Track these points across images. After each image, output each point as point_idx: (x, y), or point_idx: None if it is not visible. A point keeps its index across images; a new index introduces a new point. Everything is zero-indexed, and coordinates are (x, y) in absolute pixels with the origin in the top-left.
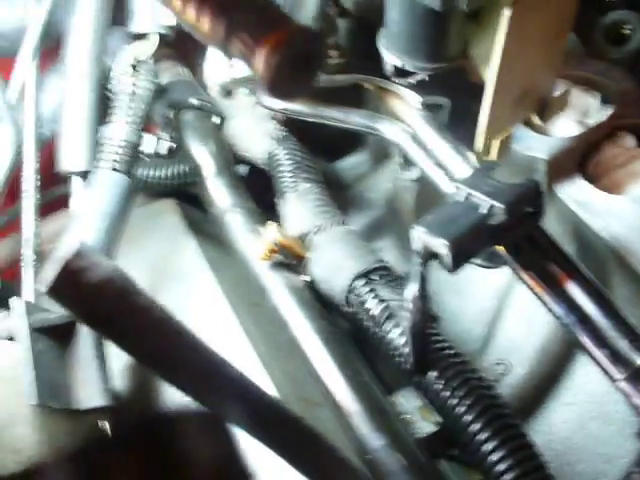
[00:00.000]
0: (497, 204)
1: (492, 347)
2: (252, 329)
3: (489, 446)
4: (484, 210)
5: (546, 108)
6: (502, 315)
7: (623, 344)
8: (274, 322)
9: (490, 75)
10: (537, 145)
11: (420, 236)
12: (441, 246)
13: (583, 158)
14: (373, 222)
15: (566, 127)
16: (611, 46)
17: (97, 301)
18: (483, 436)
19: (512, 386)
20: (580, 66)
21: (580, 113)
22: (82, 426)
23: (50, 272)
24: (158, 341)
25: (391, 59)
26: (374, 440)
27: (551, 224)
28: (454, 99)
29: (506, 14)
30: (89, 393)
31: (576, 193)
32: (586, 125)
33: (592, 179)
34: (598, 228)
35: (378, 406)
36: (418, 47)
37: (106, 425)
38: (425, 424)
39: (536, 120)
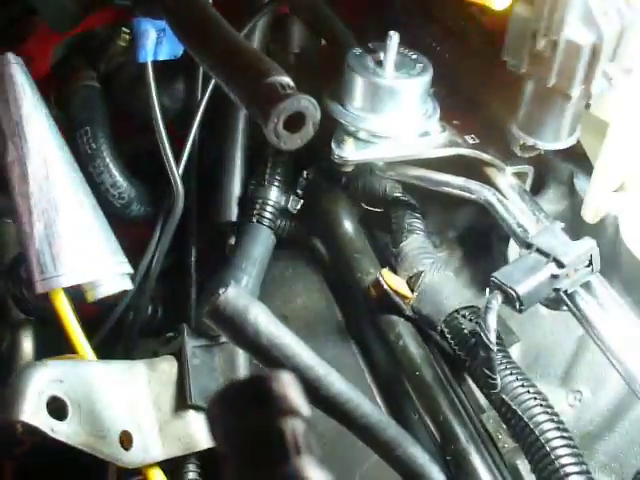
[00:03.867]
0: (559, 259)
1: (573, 374)
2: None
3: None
4: (549, 263)
5: None
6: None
7: None
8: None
9: (597, 169)
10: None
11: (496, 283)
12: (512, 293)
13: None
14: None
15: None
16: None
17: (242, 328)
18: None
19: (582, 411)
20: None
21: None
22: None
23: (210, 305)
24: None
25: (525, 138)
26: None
27: (624, 273)
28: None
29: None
30: None
31: None
32: None
33: None
34: None
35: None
36: (545, 131)
37: None
38: (509, 440)
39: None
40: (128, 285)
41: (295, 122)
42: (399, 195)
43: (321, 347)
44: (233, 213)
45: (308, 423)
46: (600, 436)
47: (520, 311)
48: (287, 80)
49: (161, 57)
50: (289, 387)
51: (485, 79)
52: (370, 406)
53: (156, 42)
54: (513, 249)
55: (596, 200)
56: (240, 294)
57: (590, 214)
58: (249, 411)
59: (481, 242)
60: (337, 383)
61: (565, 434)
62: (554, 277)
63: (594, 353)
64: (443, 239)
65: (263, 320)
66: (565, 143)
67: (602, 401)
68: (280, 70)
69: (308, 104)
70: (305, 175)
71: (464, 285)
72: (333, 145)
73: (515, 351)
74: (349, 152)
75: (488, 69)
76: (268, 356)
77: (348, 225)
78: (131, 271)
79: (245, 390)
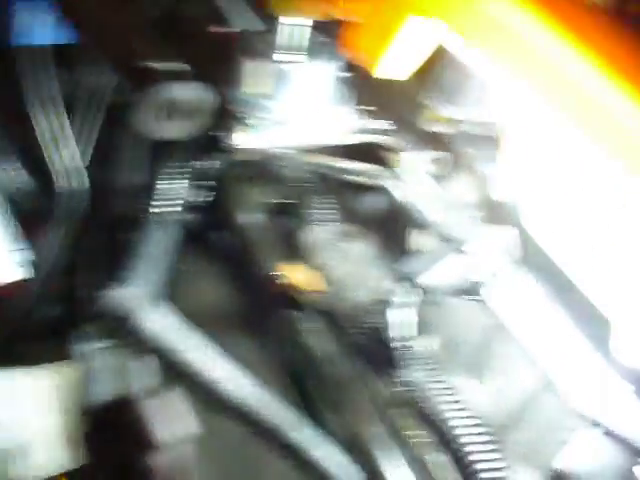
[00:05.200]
0: (469, 247)
1: (487, 365)
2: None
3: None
4: (458, 252)
5: None
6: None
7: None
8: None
9: None
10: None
11: (402, 275)
12: (418, 284)
13: None
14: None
15: None
16: None
17: (136, 330)
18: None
19: (498, 401)
20: None
21: None
22: None
23: (101, 306)
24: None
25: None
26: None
27: (528, 260)
28: None
29: None
30: None
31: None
32: None
33: None
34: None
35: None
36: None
37: None
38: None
39: None
40: (27, 273)
41: (181, 109)
42: (307, 185)
43: (227, 345)
44: (134, 206)
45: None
46: (515, 426)
47: (429, 303)
48: (174, 64)
49: (45, 41)
50: (170, 409)
51: None
52: (279, 407)
53: (40, 24)
54: (421, 236)
55: None
56: (134, 293)
57: None
58: (118, 439)
59: (393, 230)
60: (243, 385)
61: (479, 430)
62: (464, 266)
63: (508, 343)
64: (354, 227)
65: (160, 321)
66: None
67: (516, 391)
68: (166, 54)
69: (195, 90)
70: (209, 166)
71: (375, 275)
72: (230, 134)
73: (427, 342)
74: (246, 140)
75: None
76: (166, 358)
77: (255, 217)
78: (31, 258)
79: (120, 414)
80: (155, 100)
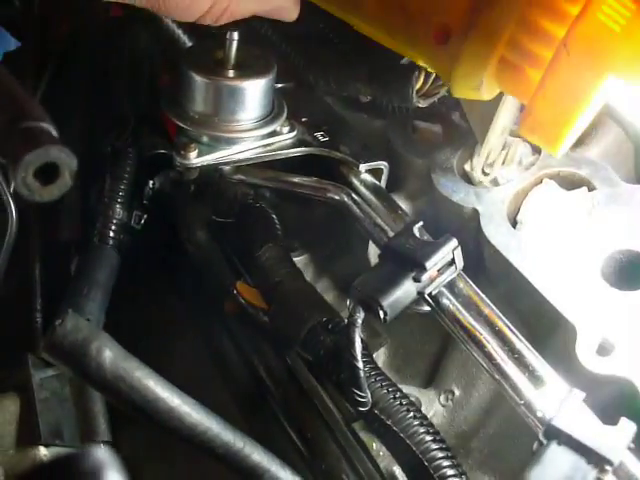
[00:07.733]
0: (421, 262)
1: (443, 373)
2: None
3: None
4: (410, 268)
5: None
6: (454, 344)
7: (523, 378)
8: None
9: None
10: (471, 196)
11: (357, 294)
12: (374, 304)
13: (515, 204)
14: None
15: (506, 175)
16: None
17: (83, 363)
18: None
19: (455, 410)
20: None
21: (516, 162)
22: None
23: (46, 339)
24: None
25: None
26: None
27: (487, 266)
28: None
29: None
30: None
31: (504, 239)
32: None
33: (522, 223)
34: (525, 271)
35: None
36: None
37: None
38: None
39: (478, 172)
40: None
41: (49, 173)
42: (251, 202)
43: (179, 370)
44: (75, 231)
45: None
46: (475, 434)
47: (385, 321)
48: (42, 125)
49: None
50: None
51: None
52: (231, 432)
53: None
54: (374, 249)
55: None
56: (80, 325)
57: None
58: None
59: (342, 242)
60: (194, 413)
61: (443, 445)
62: (416, 281)
63: (463, 351)
64: (302, 241)
65: (107, 352)
66: None
67: (474, 399)
68: (36, 113)
69: (59, 154)
70: (151, 185)
71: (326, 289)
72: (174, 152)
73: (383, 352)
74: (192, 158)
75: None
76: (115, 391)
77: (201, 237)
78: None
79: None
80: (35, 165)
